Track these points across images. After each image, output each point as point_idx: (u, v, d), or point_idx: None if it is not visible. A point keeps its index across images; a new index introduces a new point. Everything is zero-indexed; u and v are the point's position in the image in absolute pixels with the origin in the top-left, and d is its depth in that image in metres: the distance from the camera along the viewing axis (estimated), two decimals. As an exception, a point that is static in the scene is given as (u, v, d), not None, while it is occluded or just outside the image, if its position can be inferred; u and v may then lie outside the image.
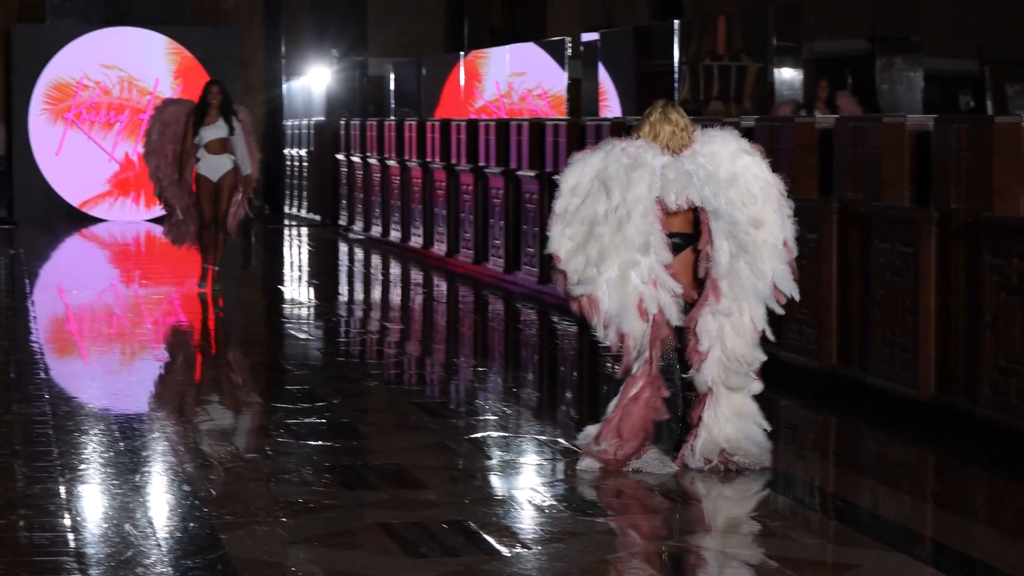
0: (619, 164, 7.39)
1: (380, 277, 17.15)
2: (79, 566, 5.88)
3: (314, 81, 26.45)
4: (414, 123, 19.49)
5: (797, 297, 7.57)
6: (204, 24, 26.10)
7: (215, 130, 14.31)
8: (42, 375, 10.34)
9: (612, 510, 6.91)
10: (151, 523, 6.49)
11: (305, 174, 25.60)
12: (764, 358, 7.53)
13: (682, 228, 7.49)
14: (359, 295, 15.98)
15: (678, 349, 7.53)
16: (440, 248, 17.64)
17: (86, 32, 24.74)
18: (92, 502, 6.89)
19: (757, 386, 7.54)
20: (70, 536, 6.28)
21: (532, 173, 14.78)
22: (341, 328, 13.22)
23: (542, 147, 14.82)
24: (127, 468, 7.48)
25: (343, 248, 20.44)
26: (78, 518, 6.57)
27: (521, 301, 14.26)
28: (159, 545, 6.16)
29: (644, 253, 7.30)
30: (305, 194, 25.59)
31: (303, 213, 25.51)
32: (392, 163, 20.00)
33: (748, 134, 9.55)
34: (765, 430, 7.51)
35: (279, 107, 26.83)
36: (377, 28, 26.72)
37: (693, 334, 7.42)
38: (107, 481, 7.25)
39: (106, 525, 6.49)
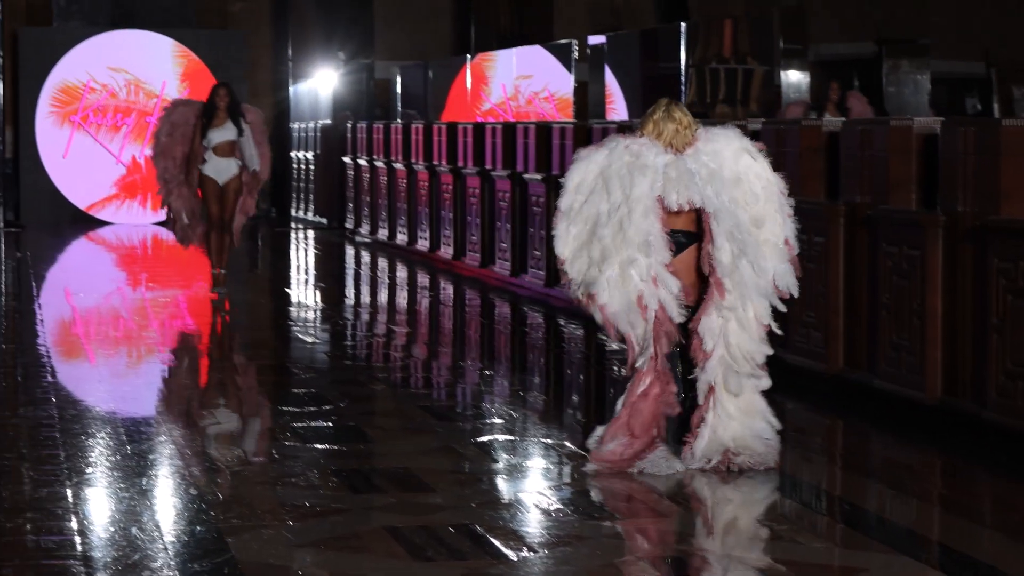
0: (622, 162, 7.43)
1: (387, 280, 17.15)
2: (86, 570, 5.88)
3: (321, 84, 26.46)
4: (421, 126, 19.50)
5: (796, 294, 7.61)
6: (211, 27, 26.12)
7: (223, 132, 14.30)
8: (49, 378, 10.34)
9: (619, 514, 6.91)
10: (158, 527, 6.49)
11: (312, 177, 25.61)
12: (770, 352, 7.56)
13: (685, 226, 7.51)
14: (366, 298, 15.98)
15: (682, 347, 7.54)
16: (447, 251, 17.64)
17: (93, 35, 24.76)
18: (99, 505, 6.90)
19: (765, 382, 7.56)
20: (77, 539, 6.28)
21: (539, 176, 14.78)
22: (348, 331, 13.22)
23: (549, 150, 14.82)
24: (134, 471, 7.49)
25: (350, 251, 20.44)
26: (85, 521, 6.57)
27: (528, 304, 14.26)
28: (166, 549, 6.16)
29: (644, 253, 7.32)
30: (312, 197, 25.60)
31: (310, 216, 25.51)
32: (399, 166, 20.01)
33: (755, 137, 9.56)
34: (774, 427, 7.53)
35: (286, 110, 26.83)
36: (384, 31, 26.73)
37: (697, 333, 7.44)
38: (114, 484, 7.25)
39: (113, 529, 6.49)
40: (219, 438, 8.44)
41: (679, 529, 6.68)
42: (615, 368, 10.42)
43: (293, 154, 26.49)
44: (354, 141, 22.94)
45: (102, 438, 8.28)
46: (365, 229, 21.64)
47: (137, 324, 13.12)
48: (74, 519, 6.59)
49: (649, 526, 6.74)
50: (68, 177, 24.56)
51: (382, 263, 18.68)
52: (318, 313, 14.34)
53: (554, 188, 13.94)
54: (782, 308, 7.59)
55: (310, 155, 25.63)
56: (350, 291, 16.69)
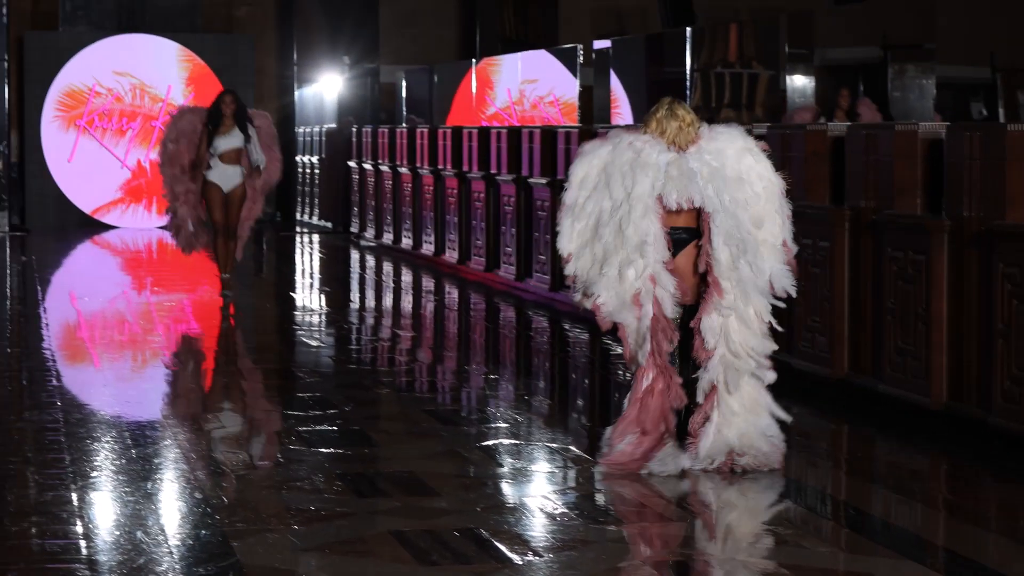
0: (625, 158, 7.46)
1: (391, 284, 17.15)
2: (91, 574, 5.89)
3: (326, 88, 26.48)
4: (426, 130, 19.51)
5: (794, 294, 7.64)
6: (216, 31, 26.13)
7: (230, 140, 14.29)
8: (54, 382, 10.35)
9: (624, 518, 6.91)
10: (163, 530, 6.49)
11: (317, 181, 25.62)
12: (774, 347, 7.58)
13: (687, 224, 7.53)
14: (371, 302, 15.98)
15: (683, 347, 7.56)
16: (452, 255, 17.64)
17: (98, 39, 24.77)
18: (104, 509, 6.90)
19: (770, 375, 7.57)
20: (82, 543, 6.29)
21: (544, 180, 14.78)
22: (353, 335, 13.22)
23: (554, 154, 14.82)
24: (139, 475, 7.49)
25: (355, 255, 20.45)
26: (90, 525, 6.57)
27: (532, 308, 14.26)
28: (171, 552, 6.16)
29: (642, 252, 7.34)
30: (317, 201, 25.61)
31: (315, 220, 25.52)
32: (404, 170, 20.01)
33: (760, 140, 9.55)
34: (782, 418, 7.55)
35: (291, 114, 26.85)
36: (389, 35, 26.74)
37: (698, 332, 7.46)
38: (119, 488, 7.25)
39: (118, 532, 6.49)
40: (224, 442, 8.45)
41: (684, 533, 6.67)
42: (620, 372, 10.41)
43: (298, 158, 26.50)
44: (359, 145, 22.95)
45: (107, 442, 8.28)
46: (370, 233, 21.65)
47: (142, 328, 13.13)
48: (79, 523, 6.59)
49: (654, 530, 6.73)
50: (73, 181, 24.58)
51: (387, 267, 18.68)
52: (323, 317, 14.34)
53: (559, 192, 13.95)
54: (781, 305, 7.62)
55: (315, 159, 25.65)
56: (355, 295, 16.69)
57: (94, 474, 7.53)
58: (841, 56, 16.45)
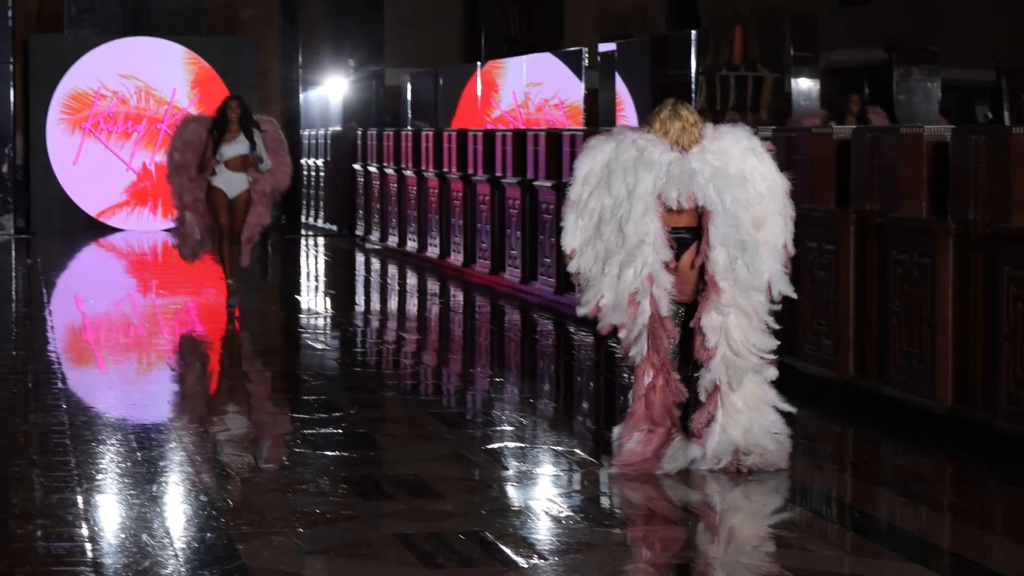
0: (628, 155, 7.47)
1: (397, 287, 17.15)
2: (96, 576, 5.89)
3: (331, 91, 26.49)
4: (431, 133, 19.51)
5: (794, 295, 7.63)
6: (221, 34, 26.15)
7: (235, 147, 14.27)
8: (59, 385, 10.36)
9: (629, 521, 6.91)
10: (168, 533, 6.50)
11: (322, 184, 25.63)
12: (775, 343, 7.58)
13: (689, 223, 7.54)
14: (376, 305, 15.98)
15: (683, 347, 7.56)
16: (457, 258, 17.64)
17: (104, 42, 24.80)
18: (109, 512, 6.90)
19: (772, 371, 7.58)
20: (88, 546, 6.29)
21: (549, 183, 14.78)
22: (358, 338, 13.23)
23: (559, 157, 14.82)
24: (144, 478, 7.49)
25: (360, 258, 20.45)
26: (96, 528, 6.58)
27: (538, 311, 14.26)
28: (176, 555, 6.17)
29: (641, 251, 7.36)
30: (322, 204, 25.62)
31: (320, 223, 25.53)
32: (409, 173, 20.01)
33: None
34: (787, 411, 7.56)
35: (296, 117, 26.86)
36: (394, 38, 26.75)
37: (699, 331, 7.46)
38: (124, 491, 7.26)
39: (123, 535, 6.49)
40: (229, 445, 8.45)
41: (689, 536, 6.67)
42: (625, 375, 10.41)
43: (303, 161, 26.52)
44: (364, 148, 22.96)
45: (112, 444, 8.29)
46: (375, 236, 21.65)
47: (147, 331, 13.13)
48: (84, 526, 6.60)
49: (659, 533, 6.73)
50: (79, 184, 24.60)
51: (392, 270, 18.69)
52: (328, 320, 14.35)
53: (564, 195, 13.94)
54: (777, 307, 7.63)
55: (320, 162, 25.66)
56: (360, 298, 16.69)
57: (99, 477, 7.54)
58: (846, 59, 16.44)
